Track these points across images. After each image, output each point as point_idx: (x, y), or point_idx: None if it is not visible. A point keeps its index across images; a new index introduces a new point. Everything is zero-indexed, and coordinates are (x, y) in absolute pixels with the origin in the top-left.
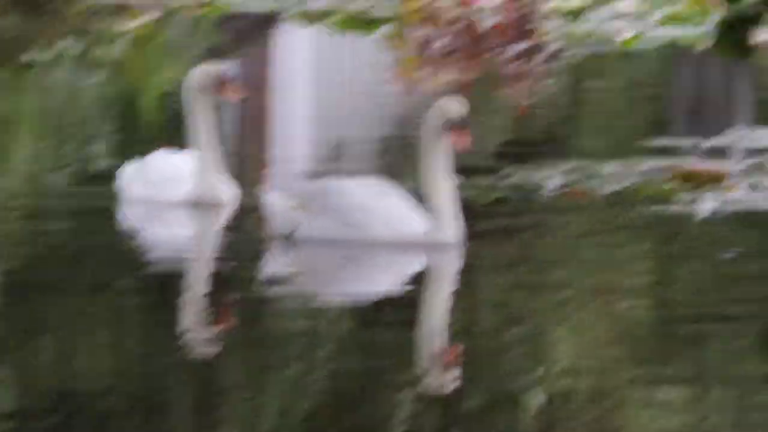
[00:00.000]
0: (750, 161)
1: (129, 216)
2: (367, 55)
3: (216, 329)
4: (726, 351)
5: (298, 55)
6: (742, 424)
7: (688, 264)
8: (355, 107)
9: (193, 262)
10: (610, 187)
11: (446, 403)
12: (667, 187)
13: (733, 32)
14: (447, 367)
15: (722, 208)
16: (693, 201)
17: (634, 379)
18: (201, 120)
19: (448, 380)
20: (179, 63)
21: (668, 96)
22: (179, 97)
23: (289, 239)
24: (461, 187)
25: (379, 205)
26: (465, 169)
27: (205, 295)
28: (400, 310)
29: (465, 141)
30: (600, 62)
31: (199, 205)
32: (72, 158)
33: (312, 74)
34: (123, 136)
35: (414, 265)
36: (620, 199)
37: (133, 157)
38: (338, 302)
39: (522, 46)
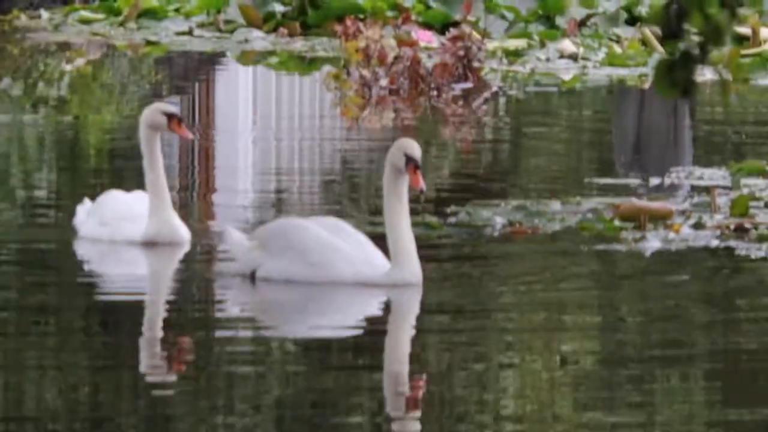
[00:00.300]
0: (695, 199)
1: (83, 254)
2: (309, 94)
3: (171, 369)
4: (672, 392)
5: (240, 92)
6: None
7: (634, 303)
8: (299, 144)
9: (149, 301)
10: (554, 226)
11: None
12: (612, 225)
13: (673, 72)
14: (409, 408)
15: (667, 247)
16: (638, 239)
17: (582, 423)
18: (153, 158)
19: (410, 421)
20: (122, 101)
21: (612, 135)
22: (123, 134)
23: (249, 279)
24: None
25: (340, 244)
26: (411, 209)
27: (160, 335)
28: (361, 351)
29: (422, 181)
30: (543, 102)
31: (155, 244)
32: (15, 195)
33: (254, 110)
34: (67, 173)
35: (375, 304)
36: (565, 238)
37: (78, 195)
38: (299, 341)
39: (464, 85)
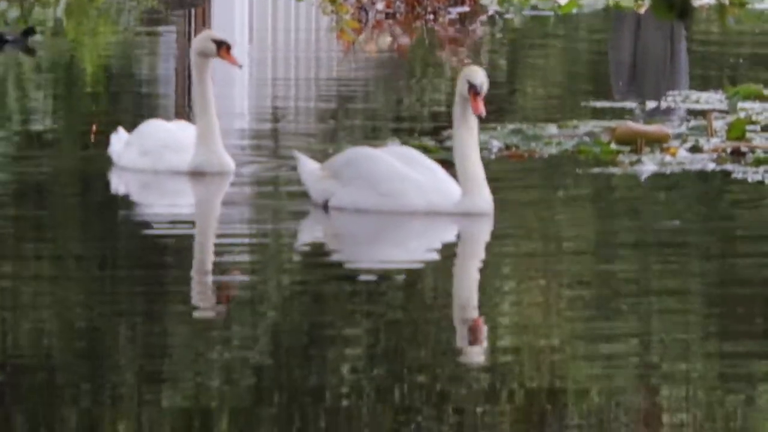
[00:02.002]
0: (691, 123)
1: (123, 184)
2: (305, 19)
3: (221, 298)
4: (669, 320)
5: (237, 17)
6: (684, 376)
7: (631, 227)
8: (294, 68)
9: (198, 231)
10: (551, 149)
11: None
12: (608, 148)
13: None
14: (473, 338)
15: (663, 170)
16: (635, 162)
17: (578, 335)
18: (203, 86)
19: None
20: (117, 27)
21: (609, 59)
22: (119, 59)
23: (322, 208)
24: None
25: (411, 173)
26: (407, 133)
27: (211, 264)
28: (433, 279)
29: (481, 107)
30: (539, 26)
31: (202, 173)
32: (14, 122)
33: (249, 35)
34: (64, 99)
35: (447, 233)
36: (562, 161)
37: (74, 121)
38: (372, 271)
39: (460, 9)
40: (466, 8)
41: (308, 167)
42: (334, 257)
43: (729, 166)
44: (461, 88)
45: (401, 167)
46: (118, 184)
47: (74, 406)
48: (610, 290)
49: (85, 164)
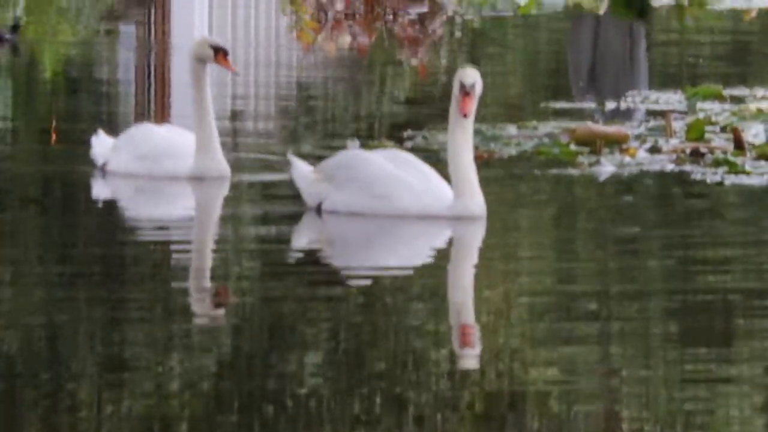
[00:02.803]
0: (650, 124)
1: (114, 190)
2: (264, 19)
3: (219, 303)
4: (628, 323)
5: (196, 16)
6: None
7: (589, 228)
8: (254, 68)
9: (197, 235)
10: (510, 150)
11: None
12: (567, 149)
13: None
14: (464, 345)
15: (622, 171)
16: (594, 163)
17: (538, 338)
18: (201, 91)
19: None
20: (77, 25)
21: (568, 59)
22: (79, 58)
23: (316, 211)
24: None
25: (405, 176)
26: (367, 133)
27: (209, 270)
28: (425, 283)
29: (467, 108)
30: (498, 26)
31: (202, 179)
32: None
33: (209, 32)
34: (24, 98)
35: (440, 237)
36: (521, 162)
37: (33, 120)
38: (364, 274)
39: (419, 9)
40: (425, 8)
41: (301, 170)
42: (326, 261)
43: (688, 167)
44: (454, 89)
45: (394, 170)
46: (105, 188)
47: (34, 412)
48: (567, 295)
49: (48, 164)
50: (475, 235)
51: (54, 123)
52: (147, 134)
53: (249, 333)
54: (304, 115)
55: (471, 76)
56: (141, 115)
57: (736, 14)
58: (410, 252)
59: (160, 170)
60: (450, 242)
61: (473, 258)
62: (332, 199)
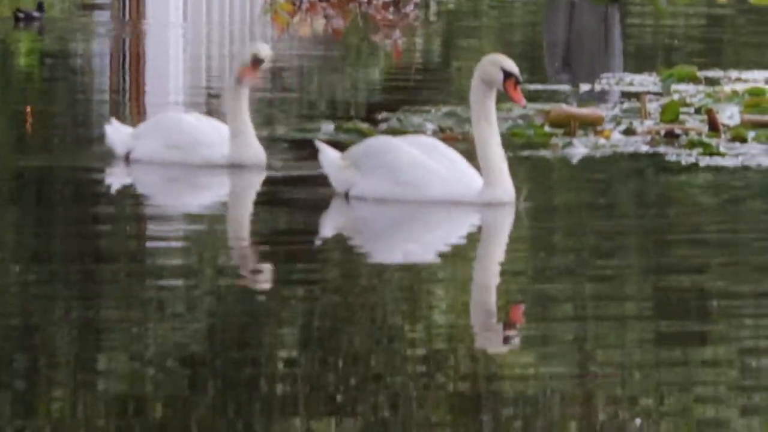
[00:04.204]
0: (625, 105)
1: (142, 179)
2: (239, 1)
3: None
4: (604, 306)
5: (171, 0)
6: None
7: (565, 209)
8: (229, 50)
9: (231, 222)
10: None
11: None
12: (542, 131)
13: None
14: (510, 324)
15: (595, 153)
16: (568, 145)
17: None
18: (238, 86)
19: (509, 336)
20: (51, 11)
21: (543, 41)
22: (53, 45)
23: (344, 197)
24: (337, 132)
25: (432, 163)
26: (341, 115)
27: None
28: (453, 268)
29: (523, 97)
30: (473, 8)
31: (240, 166)
32: None
33: (184, 17)
34: None
35: (469, 223)
36: None
37: (8, 105)
38: (393, 260)
39: None
40: None
41: (330, 157)
42: (353, 248)
43: (662, 149)
44: (490, 75)
45: (421, 157)
46: (129, 176)
47: (9, 392)
48: (545, 278)
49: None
50: (504, 222)
51: (28, 108)
52: (176, 122)
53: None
54: (278, 98)
55: (512, 62)
56: (116, 92)
57: None
58: (438, 238)
59: (196, 158)
60: (479, 229)
61: (502, 244)
62: (360, 186)
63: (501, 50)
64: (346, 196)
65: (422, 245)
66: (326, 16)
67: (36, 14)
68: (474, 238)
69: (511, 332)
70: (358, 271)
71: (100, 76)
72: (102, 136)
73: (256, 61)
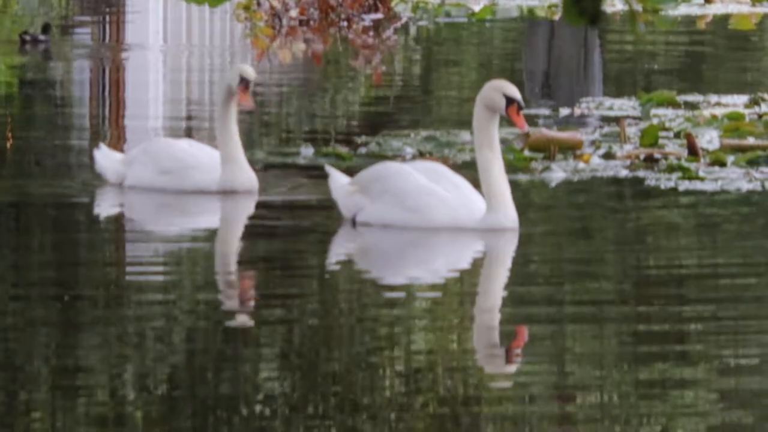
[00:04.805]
0: (604, 130)
1: (133, 205)
2: (219, 25)
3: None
4: (582, 328)
5: (151, 23)
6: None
7: (545, 232)
8: (209, 73)
9: (221, 247)
10: (465, 156)
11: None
12: (521, 155)
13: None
14: (514, 346)
15: (575, 176)
16: (547, 169)
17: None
18: (225, 106)
19: (511, 357)
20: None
21: (523, 66)
22: (32, 67)
23: (351, 223)
24: (317, 156)
25: (437, 189)
26: (321, 139)
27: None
28: (457, 293)
29: (525, 123)
30: (453, 33)
31: (232, 192)
32: None
33: (164, 40)
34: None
35: (473, 249)
36: (475, 168)
37: None
38: (399, 285)
39: (374, 16)
40: (380, 15)
41: (338, 182)
42: (359, 274)
43: (642, 173)
44: (493, 101)
45: (428, 183)
46: (123, 203)
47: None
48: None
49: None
50: (507, 248)
51: (8, 130)
52: (168, 148)
53: (297, 340)
54: (258, 122)
55: (514, 88)
56: (95, 117)
57: (690, 20)
58: (442, 264)
59: (188, 184)
60: (482, 254)
61: (505, 269)
62: (366, 212)
63: (481, 74)
64: (353, 222)
65: (426, 271)
66: (306, 40)
67: (42, 37)
68: (478, 264)
69: (514, 354)
70: (363, 296)
71: (79, 102)
72: (89, 162)
73: (244, 82)
